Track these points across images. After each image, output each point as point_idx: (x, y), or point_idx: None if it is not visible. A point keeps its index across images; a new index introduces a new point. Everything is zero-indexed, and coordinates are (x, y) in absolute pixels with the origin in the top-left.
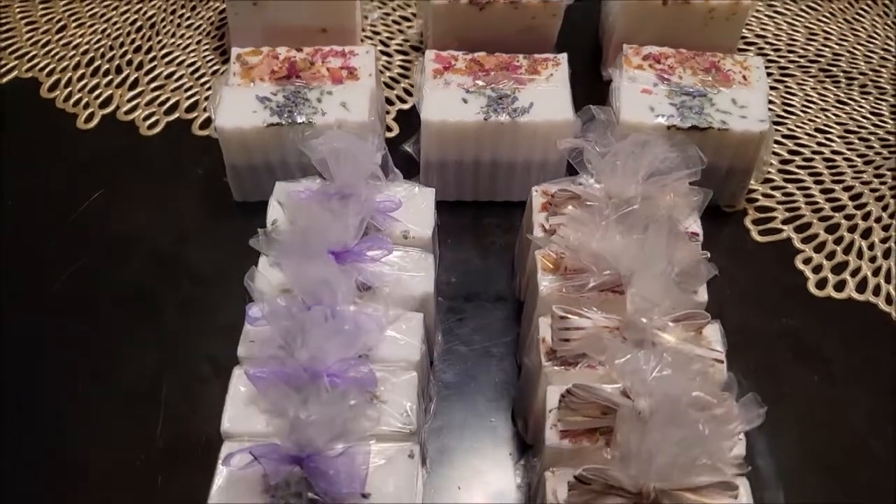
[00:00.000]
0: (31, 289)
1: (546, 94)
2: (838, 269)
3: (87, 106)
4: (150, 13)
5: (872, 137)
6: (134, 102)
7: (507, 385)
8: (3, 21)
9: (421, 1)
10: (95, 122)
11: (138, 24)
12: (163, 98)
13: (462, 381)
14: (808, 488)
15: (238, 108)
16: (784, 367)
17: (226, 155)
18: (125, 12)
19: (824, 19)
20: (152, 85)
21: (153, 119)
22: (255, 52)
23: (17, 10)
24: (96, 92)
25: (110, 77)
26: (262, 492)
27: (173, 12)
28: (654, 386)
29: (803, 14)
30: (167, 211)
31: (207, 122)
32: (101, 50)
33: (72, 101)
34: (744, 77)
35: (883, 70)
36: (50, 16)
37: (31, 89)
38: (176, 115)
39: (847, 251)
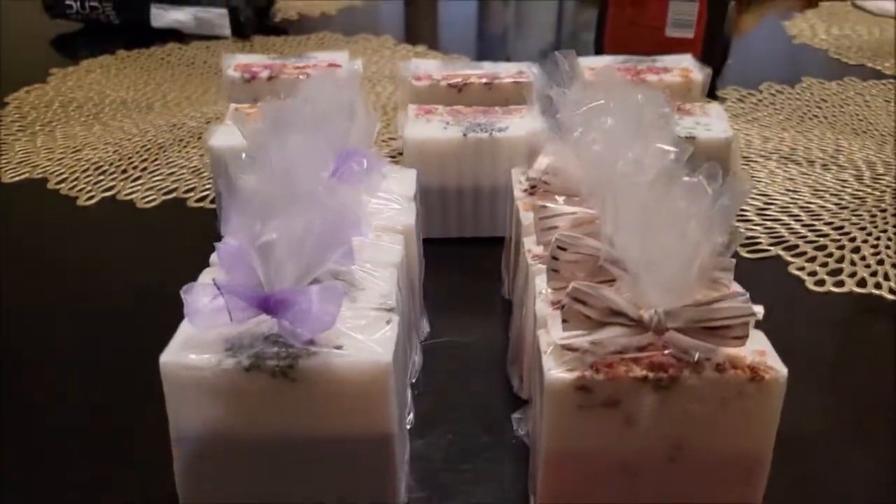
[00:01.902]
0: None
1: (522, 120)
2: (834, 273)
3: (90, 192)
4: (160, 139)
5: (843, 192)
6: (135, 186)
7: (499, 348)
8: (22, 148)
9: (402, 82)
10: (95, 200)
11: (148, 147)
12: (163, 186)
13: (450, 346)
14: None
15: (230, 134)
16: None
17: (216, 178)
18: (134, 135)
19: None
20: (154, 178)
21: (151, 197)
22: (251, 106)
23: (39, 140)
24: (100, 182)
25: (114, 175)
26: (224, 350)
27: (180, 140)
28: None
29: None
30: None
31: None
32: (111, 160)
33: (76, 188)
34: (704, 111)
35: (840, 156)
36: (68, 141)
37: (39, 183)
38: (173, 196)
39: (840, 261)
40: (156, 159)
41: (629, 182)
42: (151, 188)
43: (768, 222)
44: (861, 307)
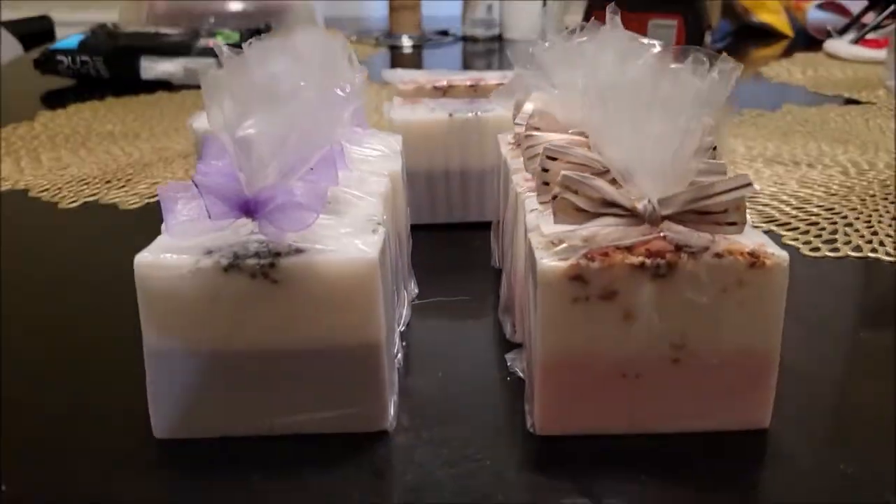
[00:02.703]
0: None
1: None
2: (828, 242)
3: (72, 199)
4: (145, 160)
5: (830, 184)
6: (118, 193)
7: (491, 305)
8: (6, 169)
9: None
10: (77, 204)
11: (132, 165)
12: (146, 193)
13: (439, 305)
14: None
15: None
16: None
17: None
18: (119, 156)
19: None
20: (139, 187)
21: (134, 201)
22: None
23: (23, 162)
24: (83, 191)
25: (98, 185)
26: (202, 253)
27: (166, 159)
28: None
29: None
30: None
31: None
32: (95, 175)
33: (58, 195)
34: None
35: (825, 158)
36: (52, 162)
37: (20, 193)
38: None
39: (833, 233)
40: (141, 173)
41: (614, 77)
42: (135, 194)
43: (758, 207)
44: (858, 269)
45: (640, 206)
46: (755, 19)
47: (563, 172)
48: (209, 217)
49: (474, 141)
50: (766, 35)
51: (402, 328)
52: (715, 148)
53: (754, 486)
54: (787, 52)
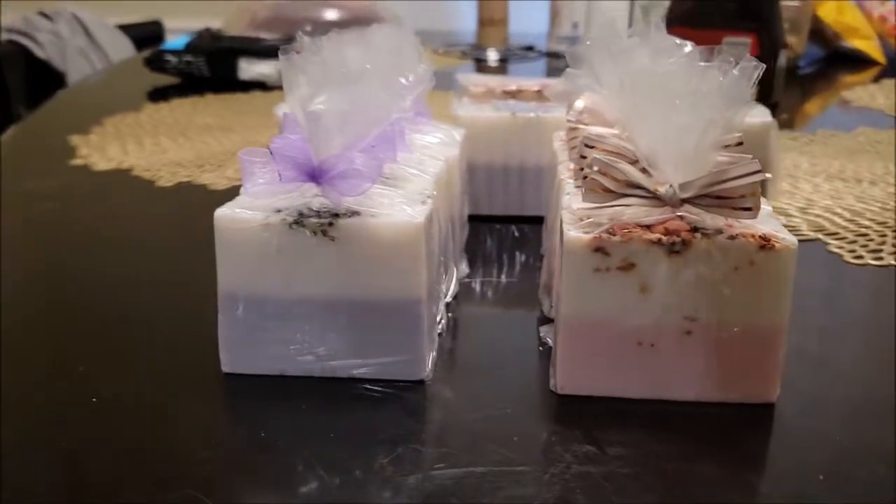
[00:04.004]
0: None
1: None
2: (873, 252)
3: (168, 179)
4: (237, 149)
5: (888, 201)
6: (210, 176)
7: (535, 287)
8: (114, 150)
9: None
10: (172, 184)
11: (225, 153)
12: (236, 177)
13: (486, 283)
14: None
15: None
16: None
17: None
18: (213, 145)
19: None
20: (230, 171)
21: (224, 183)
22: None
23: (129, 146)
24: (178, 172)
25: (191, 168)
26: (273, 210)
27: None
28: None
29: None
30: None
31: None
32: (190, 159)
33: (156, 175)
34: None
35: (889, 177)
36: (154, 147)
37: (124, 172)
38: None
39: (881, 244)
40: (231, 160)
41: (646, 73)
42: (225, 178)
43: (810, 217)
44: None
45: (662, 189)
46: (846, 45)
47: (593, 155)
48: (280, 180)
49: (533, 139)
50: (859, 61)
51: (448, 299)
52: (740, 143)
53: (750, 448)
54: (877, 79)
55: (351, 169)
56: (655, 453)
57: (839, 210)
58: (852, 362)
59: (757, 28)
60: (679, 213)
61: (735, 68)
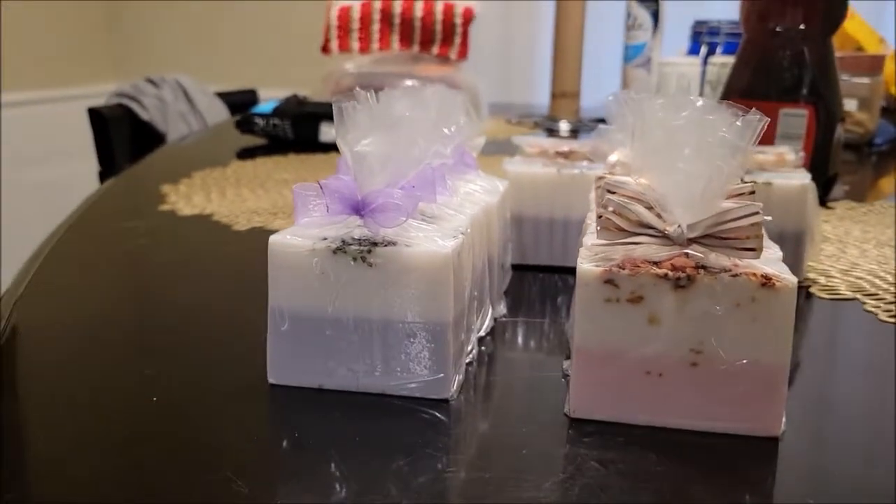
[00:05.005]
0: None
1: None
2: None
3: (244, 224)
4: None
5: None
6: (283, 224)
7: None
8: (199, 199)
9: (517, 150)
10: (246, 228)
11: None
12: None
13: (521, 323)
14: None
15: None
16: None
17: None
18: (289, 196)
19: None
20: None
21: None
22: None
23: (213, 195)
24: (253, 218)
25: (266, 216)
26: (320, 238)
27: None
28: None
29: None
30: None
31: None
32: (266, 208)
33: (234, 220)
34: (789, 168)
35: None
36: (234, 197)
37: (206, 217)
38: None
39: None
40: None
41: (660, 125)
42: None
43: (850, 279)
44: None
45: (670, 229)
46: None
47: (608, 197)
48: (328, 212)
49: (577, 194)
50: None
51: (482, 333)
52: (752, 192)
53: (748, 476)
54: None
55: (390, 203)
56: (654, 472)
57: (882, 274)
58: (869, 407)
59: (815, 101)
60: (686, 251)
61: (738, 120)
